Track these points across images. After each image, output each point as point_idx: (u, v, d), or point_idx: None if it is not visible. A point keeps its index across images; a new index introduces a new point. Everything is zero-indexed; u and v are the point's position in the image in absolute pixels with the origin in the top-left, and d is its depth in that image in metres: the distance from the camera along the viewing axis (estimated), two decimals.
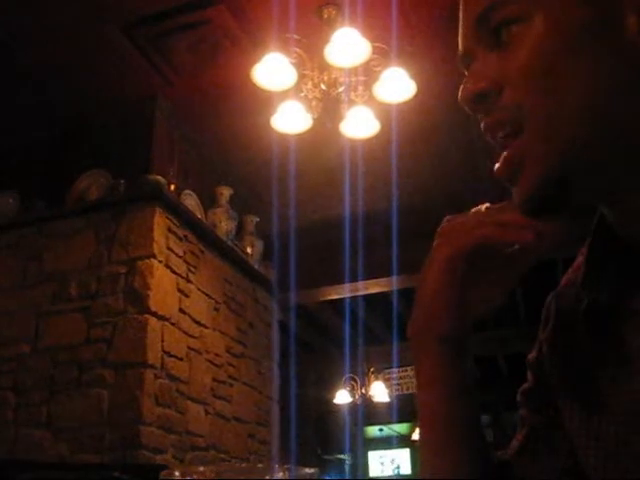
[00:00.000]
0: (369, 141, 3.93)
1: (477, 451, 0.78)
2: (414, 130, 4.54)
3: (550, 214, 0.71)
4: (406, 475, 11.28)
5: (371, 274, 5.62)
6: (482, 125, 0.72)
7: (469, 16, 0.73)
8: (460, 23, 0.76)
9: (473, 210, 0.79)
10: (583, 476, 0.78)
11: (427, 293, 0.78)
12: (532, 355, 0.89)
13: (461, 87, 0.73)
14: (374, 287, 6.09)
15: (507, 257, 0.77)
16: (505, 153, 0.70)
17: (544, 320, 0.87)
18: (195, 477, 0.67)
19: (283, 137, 3.98)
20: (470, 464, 0.76)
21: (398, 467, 11.51)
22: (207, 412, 4.40)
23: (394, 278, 5.45)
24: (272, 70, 3.42)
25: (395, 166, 4.57)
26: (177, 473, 0.65)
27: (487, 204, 0.79)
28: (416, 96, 3.61)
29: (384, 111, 3.83)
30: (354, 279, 5.51)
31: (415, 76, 3.51)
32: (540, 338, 0.87)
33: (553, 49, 0.65)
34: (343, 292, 6.18)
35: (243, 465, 3.04)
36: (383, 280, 5.77)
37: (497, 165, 0.71)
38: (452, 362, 0.77)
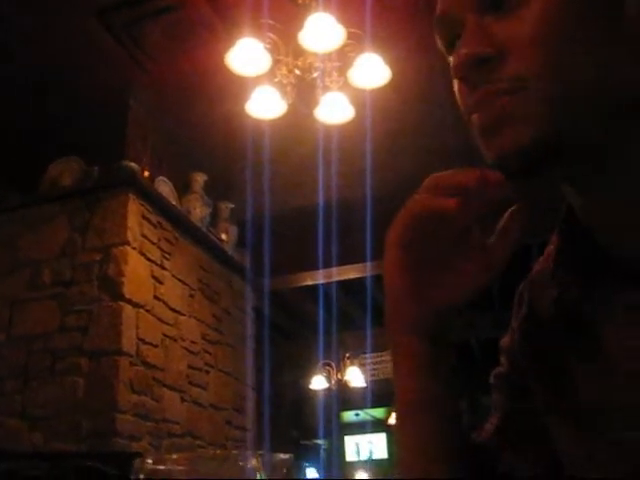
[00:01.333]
0: (344, 127, 3.92)
1: (452, 436, 0.77)
2: (389, 115, 4.54)
3: (525, 176, 0.68)
4: (381, 459, 11.35)
5: (346, 260, 5.62)
6: (471, 95, 0.68)
7: None
8: None
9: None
10: (557, 459, 0.79)
11: (385, 283, 0.76)
12: (505, 340, 0.89)
13: (457, 49, 0.69)
14: (349, 273, 6.10)
15: (451, 236, 0.73)
16: (497, 102, 0.66)
17: (516, 307, 0.87)
18: (168, 465, 0.67)
19: (258, 123, 3.96)
20: (444, 449, 0.76)
21: (371, 452, 11.58)
22: (183, 399, 4.39)
23: (369, 264, 5.46)
24: (246, 55, 3.40)
25: (370, 152, 4.56)
26: (150, 461, 0.65)
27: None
28: (391, 82, 3.60)
29: (359, 97, 3.82)
30: (329, 265, 5.52)
31: (390, 62, 3.51)
32: (512, 325, 0.87)
33: (564, 19, 0.64)
34: (318, 278, 6.18)
35: (217, 452, 3.05)
36: (358, 266, 5.78)
37: (479, 113, 0.68)
38: (421, 351, 0.75)
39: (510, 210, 0.72)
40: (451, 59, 0.71)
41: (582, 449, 0.73)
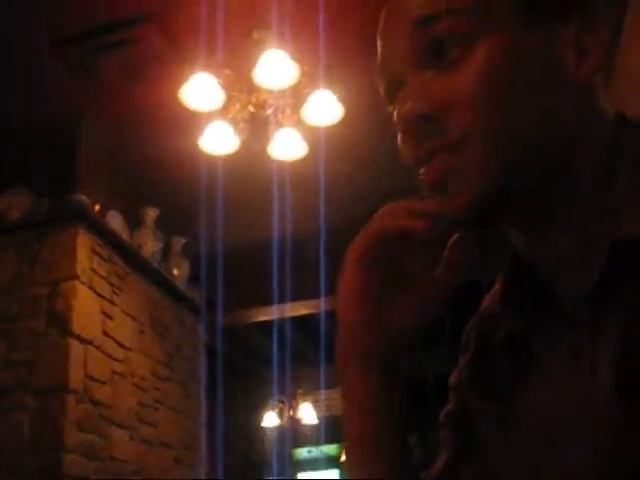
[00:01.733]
0: (297, 163, 3.94)
1: (400, 473, 0.76)
2: (342, 152, 4.57)
3: (474, 227, 0.71)
4: None
5: (300, 296, 5.61)
6: (415, 148, 0.70)
7: (402, 25, 0.70)
8: (385, 36, 0.74)
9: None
10: None
11: (340, 308, 0.77)
12: (453, 378, 0.90)
13: (400, 105, 0.70)
14: (302, 309, 6.08)
15: (411, 260, 0.75)
16: (438, 159, 0.68)
17: (464, 346, 0.88)
18: None
19: (211, 158, 3.95)
20: None
21: None
22: (132, 437, 4.31)
23: (322, 300, 5.45)
24: (200, 91, 3.41)
25: (323, 188, 4.58)
26: None
27: None
28: (344, 118, 3.64)
29: (312, 133, 3.85)
30: (282, 301, 5.50)
31: (343, 99, 3.54)
32: (460, 363, 0.88)
33: (503, 74, 0.66)
34: (271, 314, 6.15)
35: None
36: (311, 302, 5.77)
37: (426, 169, 0.69)
38: (372, 383, 0.75)
39: (453, 240, 0.73)
40: (394, 110, 0.73)
41: (524, 469, 0.75)
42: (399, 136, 0.73)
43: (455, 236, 0.73)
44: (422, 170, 0.70)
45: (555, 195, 0.70)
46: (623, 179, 0.67)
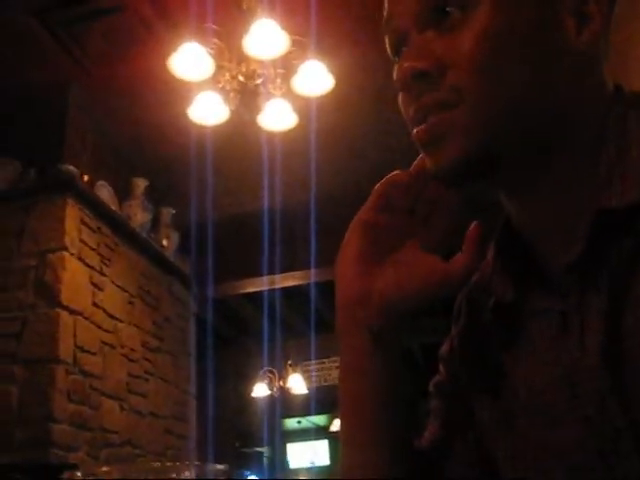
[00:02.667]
0: (287, 134, 3.91)
1: (394, 438, 0.77)
2: (332, 123, 4.55)
3: (460, 186, 0.73)
4: (324, 466, 11.36)
5: (289, 267, 5.61)
6: (412, 104, 0.71)
7: None
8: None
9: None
10: (494, 466, 0.80)
11: (339, 280, 0.78)
12: (444, 349, 0.91)
13: (400, 62, 0.72)
14: (292, 280, 6.09)
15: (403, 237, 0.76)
16: (431, 119, 0.69)
17: (456, 316, 0.89)
18: (99, 477, 0.65)
19: (200, 128, 3.93)
20: (386, 452, 0.77)
21: (313, 462, 11.58)
22: (122, 408, 4.32)
23: (312, 271, 5.46)
24: (189, 60, 3.37)
25: (313, 159, 4.57)
26: (79, 474, 0.63)
27: None
28: (334, 89, 3.61)
29: (302, 104, 3.82)
30: (272, 272, 5.50)
31: (334, 70, 3.51)
32: (451, 333, 0.89)
33: (501, 37, 0.67)
34: (261, 285, 6.16)
35: (151, 464, 3.00)
36: (301, 273, 5.77)
37: (419, 129, 0.71)
38: (372, 351, 0.76)
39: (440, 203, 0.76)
40: (394, 70, 0.74)
41: (519, 452, 0.75)
42: (399, 94, 0.75)
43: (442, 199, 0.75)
44: (414, 131, 0.71)
45: (546, 163, 0.70)
46: (612, 149, 0.68)
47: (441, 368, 0.91)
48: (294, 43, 3.34)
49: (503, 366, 0.78)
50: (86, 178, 4.24)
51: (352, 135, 4.82)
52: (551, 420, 0.71)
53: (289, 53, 3.38)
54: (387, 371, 0.76)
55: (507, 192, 0.75)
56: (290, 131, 3.83)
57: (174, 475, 0.65)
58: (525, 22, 0.67)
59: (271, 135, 4.05)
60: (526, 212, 0.74)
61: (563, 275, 0.70)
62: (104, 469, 0.66)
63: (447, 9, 0.69)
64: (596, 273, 0.67)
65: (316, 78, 3.52)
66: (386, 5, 0.76)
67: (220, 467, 0.69)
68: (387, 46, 0.78)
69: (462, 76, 0.67)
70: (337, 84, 3.57)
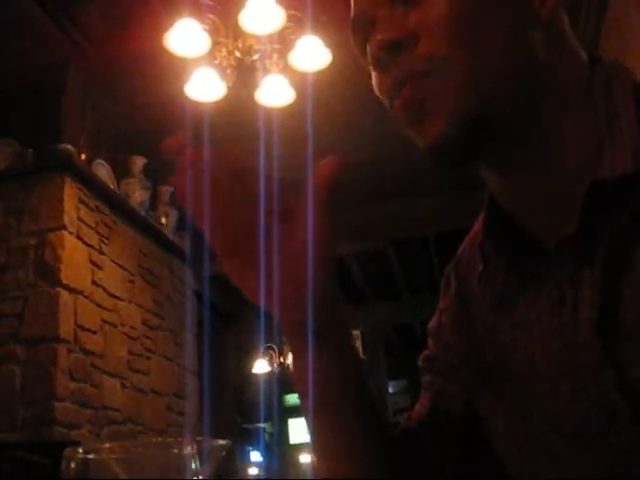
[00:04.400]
0: (284, 110, 3.90)
1: (358, 418, 0.77)
2: (330, 99, 4.53)
3: (455, 160, 0.71)
4: None
5: None
6: (386, 79, 0.71)
7: None
8: None
9: None
10: (487, 438, 0.81)
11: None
12: (433, 323, 0.91)
13: (371, 39, 0.71)
14: None
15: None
16: (408, 89, 0.68)
17: (443, 289, 0.89)
18: (101, 454, 0.65)
19: (197, 105, 3.90)
20: (358, 441, 0.76)
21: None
22: (123, 386, 4.34)
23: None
24: (185, 37, 3.35)
25: (311, 134, 4.55)
26: (81, 450, 0.63)
27: None
28: (332, 65, 3.59)
29: (300, 80, 3.80)
30: None
31: (331, 45, 3.49)
32: (440, 307, 0.89)
33: (469, 4, 0.67)
34: None
35: (153, 440, 3.02)
36: None
37: (399, 99, 0.70)
38: (313, 346, 0.74)
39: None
40: (368, 51, 0.73)
41: (514, 419, 0.76)
42: (373, 75, 0.74)
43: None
44: (397, 107, 0.71)
45: (530, 133, 0.70)
46: (600, 118, 0.68)
47: (430, 342, 0.91)
48: (290, 18, 3.32)
49: (495, 337, 0.77)
50: (84, 157, 4.23)
51: (349, 110, 4.80)
52: (548, 390, 0.71)
53: (285, 28, 3.36)
54: (333, 360, 0.74)
55: (495, 167, 0.74)
56: (287, 107, 3.81)
57: (176, 451, 0.65)
58: None
59: (268, 111, 4.03)
60: (515, 187, 0.74)
61: (556, 249, 0.70)
62: (106, 446, 0.66)
63: None
64: (590, 247, 0.67)
65: (313, 53, 3.50)
66: (352, 1, 0.76)
67: (221, 442, 0.69)
68: (355, 43, 0.77)
69: (436, 43, 0.66)
70: (334, 59, 3.55)
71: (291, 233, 0.70)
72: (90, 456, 0.62)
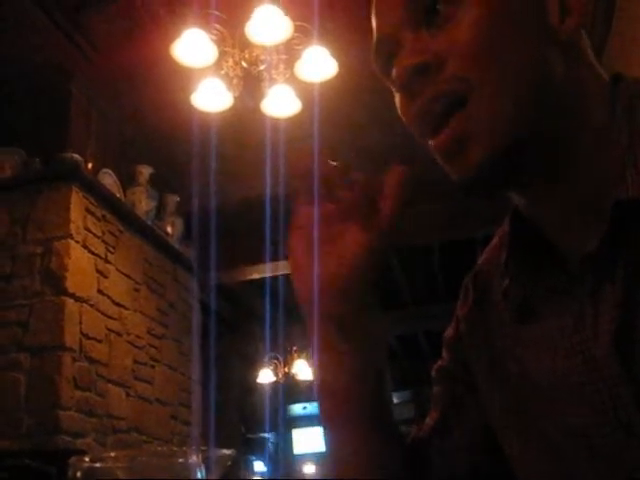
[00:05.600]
0: (291, 120, 3.91)
1: (380, 430, 0.78)
2: (336, 108, 4.54)
3: (491, 189, 0.72)
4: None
5: None
6: (414, 104, 0.71)
7: None
8: (381, 3, 0.75)
9: None
10: (498, 452, 0.81)
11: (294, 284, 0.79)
12: (449, 332, 0.91)
13: (396, 62, 0.71)
14: None
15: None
16: (448, 127, 0.68)
17: (462, 298, 0.89)
18: (106, 463, 0.65)
19: (204, 115, 3.92)
20: (374, 443, 0.77)
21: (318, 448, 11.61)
22: (128, 394, 4.34)
23: None
24: (192, 46, 3.37)
25: (317, 144, 4.55)
26: (87, 459, 0.64)
27: None
28: (338, 75, 3.60)
29: (306, 90, 3.81)
30: (275, 258, 5.50)
31: (337, 55, 3.50)
32: (458, 316, 0.89)
33: (495, 23, 0.67)
34: (264, 271, 6.16)
35: (158, 449, 3.02)
36: None
37: (438, 139, 0.70)
38: (336, 338, 0.77)
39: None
40: (389, 76, 0.74)
41: (529, 435, 0.76)
42: (397, 97, 0.74)
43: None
44: (434, 140, 0.70)
45: (558, 152, 0.70)
46: (623, 138, 0.68)
47: (444, 353, 0.91)
48: (297, 29, 3.33)
49: (515, 350, 0.78)
50: (90, 166, 4.24)
51: (356, 121, 4.81)
52: (566, 405, 0.71)
53: (292, 39, 3.38)
54: (356, 360, 0.77)
55: (523, 189, 0.75)
56: (294, 117, 3.82)
57: (181, 460, 0.65)
58: (515, 8, 0.68)
59: (275, 121, 4.04)
60: (540, 204, 0.75)
61: (580, 265, 0.71)
62: (112, 454, 0.67)
63: (437, 7, 0.69)
64: (612, 264, 0.67)
65: (319, 64, 3.51)
66: (374, 24, 0.76)
67: (226, 452, 0.69)
68: (378, 65, 0.77)
69: (464, 64, 0.67)
70: (341, 69, 3.56)
71: (349, 232, 0.75)
72: (96, 464, 0.62)
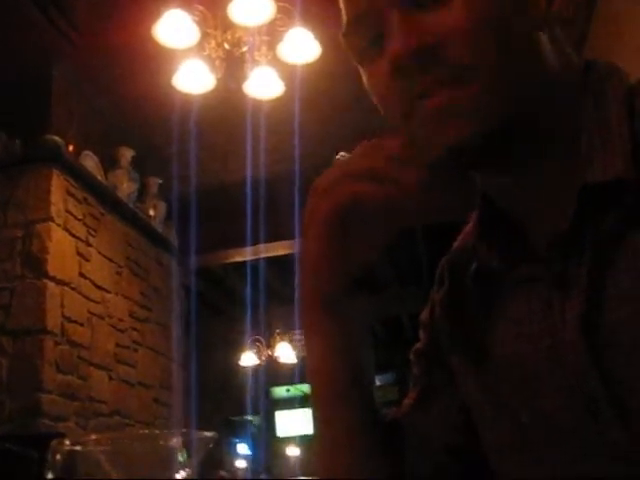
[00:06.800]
0: (273, 102, 3.89)
1: (361, 409, 0.79)
2: (318, 92, 4.52)
3: (475, 164, 0.71)
4: (311, 434, 11.45)
5: (274, 236, 5.60)
6: (415, 86, 0.68)
7: None
8: None
9: (343, 160, 0.79)
10: (473, 432, 0.82)
11: (309, 253, 0.77)
12: (425, 315, 0.91)
13: (389, 46, 0.68)
14: (277, 249, 6.08)
15: (379, 214, 0.73)
16: (442, 97, 0.66)
17: (438, 282, 0.90)
18: (87, 446, 0.65)
19: (186, 97, 3.89)
20: (354, 422, 0.79)
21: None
22: (111, 378, 4.33)
23: (297, 240, 5.45)
24: (174, 28, 3.34)
25: (298, 127, 4.54)
26: (67, 442, 0.63)
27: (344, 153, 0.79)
28: (321, 58, 3.59)
29: (288, 72, 3.80)
30: (256, 241, 5.49)
31: (320, 37, 3.48)
32: (433, 299, 0.90)
33: (492, 9, 0.66)
34: (246, 255, 6.15)
35: (139, 432, 3.02)
36: (286, 242, 5.76)
37: (432, 101, 0.67)
38: (334, 319, 0.77)
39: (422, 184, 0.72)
40: (385, 55, 0.70)
41: (500, 417, 0.77)
42: (383, 84, 0.71)
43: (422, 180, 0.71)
44: (422, 106, 0.68)
45: (539, 136, 0.71)
46: (593, 122, 0.69)
47: (421, 335, 0.92)
48: (280, 10, 3.31)
49: (486, 333, 0.78)
50: (71, 148, 4.21)
51: (339, 103, 4.79)
52: (535, 388, 0.72)
53: (275, 20, 3.36)
54: (348, 337, 0.78)
55: (503, 170, 0.74)
56: (276, 99, 3.81)
57: (163, 442, 0.65)
58: None
59: (257, 103, 4.02)
60: (509, 187, 0.75)
61: (547, 249, 0.71)
62: (93, 438, 0.66)
63: None
64: (579, 247, 0.68)
65: (302, 45, 3.49)
66: (347, 4, 0.74)
67: (208, 434, 0.69)
68: (352, 46, 0.75)
69: (463, 50, 0.65)
70: (324, 51, 3.54)
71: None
72: (77, 448, 0.62)
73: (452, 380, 0.84)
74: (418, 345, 0.92)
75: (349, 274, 0.77)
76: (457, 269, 0.85)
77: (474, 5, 0.65)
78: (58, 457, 0.61)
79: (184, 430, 0.67)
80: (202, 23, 3.40)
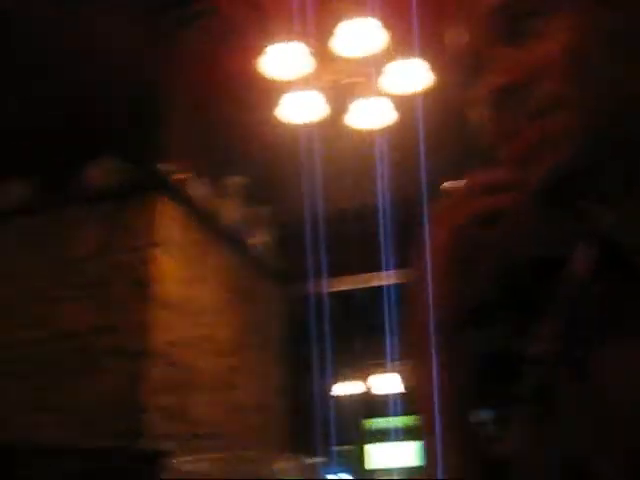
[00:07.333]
0: (387, 132, 3.88)
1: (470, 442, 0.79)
2: (429, 121, 4.49)
3: (569, 197, 0.71)
4: (409, 467, 11.26)
5: (378, 267, 5.57)
6: (508, 121, 0.70)
7: (483, 7, 0.72)
8: (467, 16, 0.76)
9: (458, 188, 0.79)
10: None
11: (424, 283, 0.77)
12: (535, 350, 0.89)
13: (488, 78, 0.71)
14: (380, 279, 6.03)
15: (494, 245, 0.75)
16: (530, 132, 0.68)
17: (550, 316, 0.87)
18: (200, 465, 0.66)
19: (295, 127, 3.94)
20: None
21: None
22: (213, 401, 4.38)
23: (397, 271, 5.40)
24: (280, 59, 3.39)
25: (411, 157, 4.52)
26: (182, 460, 0.64)
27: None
28: (436, 86, 3.56)
29: (398, 102, 3.78)
30: (364, 271, 5.48)
31: (432, 68, 3.47)
32: (544, 334, 0.86)
33: (584, 45, 0.67)
34: (351, 283, 6.14)
35: (249, 453, 3.04)
36: (387, 273, 5.71)
37: (517, 142, 0.69)
38: (446, 352, 0.77)
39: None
40: (478, 89, 0.73)
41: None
42: (484, 112, 0.73)
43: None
44: (510, 143, 0.70)
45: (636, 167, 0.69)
46: None
47: (530, 371, 0.87)
48: (392, 40, 3.32)
49: (606, 371, 0.75)
50: (181, 175, 4.31)
51: (450, 132, 4.74)
52: None
53: (382, 50, 3.37)
54: (454, 373, 0.78)
55: (602, 200, 0.73)
56: (391, 129, 3.80)
57: (270, 465, 0.65)
58: (598, 30, 0.67)
59: (367, 133, 4.03)
60: (622, 219, 0.72)
61: None
62: (203, 456, 0.67)
63: (524, 20, 0.69)
64: None
65: (412, 75, 3.49)
66: (458, 36, 0.77)
67: (314, 460, 0.69)
68: (461, 71, 0.78)
69: (556, 84, 0.66)
70: (439, 80, 3.52)
71: None
72: (192, 466, 0.63)
73: (566, 424, 0.80)
74: (525, 382, 0.88)
75: (464, 307, 0.77)
76: (573, 304, 0.81)
77: (568, 42, 0.67)
78: (170, 474, 0.62)
79: (292, 455, 0.67)
80: (314, 54, 3.44)
